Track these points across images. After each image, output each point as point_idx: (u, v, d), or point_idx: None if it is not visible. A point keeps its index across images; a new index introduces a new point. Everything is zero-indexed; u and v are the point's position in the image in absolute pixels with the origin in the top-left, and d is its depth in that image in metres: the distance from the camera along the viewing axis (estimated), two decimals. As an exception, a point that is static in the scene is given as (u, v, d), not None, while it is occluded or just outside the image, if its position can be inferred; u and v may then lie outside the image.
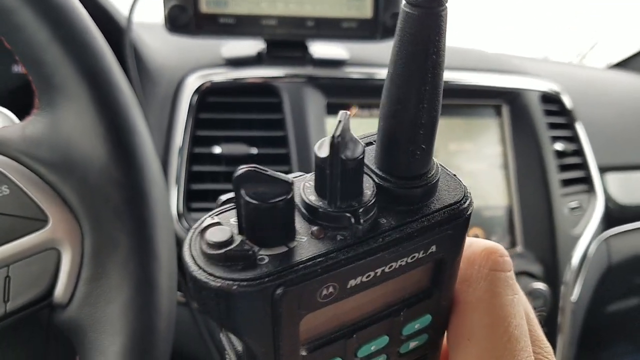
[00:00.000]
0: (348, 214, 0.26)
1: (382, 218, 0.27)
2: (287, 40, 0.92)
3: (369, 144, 0.31)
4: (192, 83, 0.84)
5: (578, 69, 1.51)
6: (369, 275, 0.27)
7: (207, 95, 0.85)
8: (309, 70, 0.91)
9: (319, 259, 0.25)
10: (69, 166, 0.47)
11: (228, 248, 0.24)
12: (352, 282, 0.26)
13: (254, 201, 0.23)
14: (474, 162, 1.04)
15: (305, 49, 0.93)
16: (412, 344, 0.34)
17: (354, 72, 0.94)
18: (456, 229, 0.29)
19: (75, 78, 0.47)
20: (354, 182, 0.26)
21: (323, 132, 0.88)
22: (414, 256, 0.28)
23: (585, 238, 1.08)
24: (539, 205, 1.04)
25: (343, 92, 0.93)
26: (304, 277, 0.25)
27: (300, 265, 0.24)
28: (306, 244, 0.26)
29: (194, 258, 0.25)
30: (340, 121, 0.24)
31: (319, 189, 0.27)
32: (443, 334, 0.35)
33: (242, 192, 0.23)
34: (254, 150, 0.83)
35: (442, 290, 0.32)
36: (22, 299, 0.46)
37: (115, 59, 0.51)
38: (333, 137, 0.24)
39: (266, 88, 0.88)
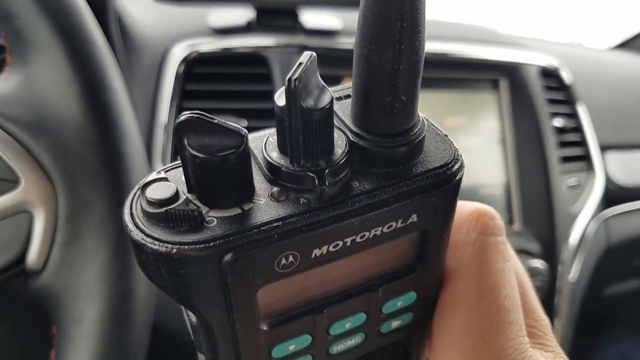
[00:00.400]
0: (312, 174, 0.23)
1: (355, 181, 0.24)
2: (277, 8, 0.89)
3: (347, 96, 0.27)
4: (179, 53, 0.82)
5: (578, 49, 1.49)
6: (337, 245, 0.24)
7: (193, 66, 0.82)
8: (300, 40, 0.88)
9: (276, 224, 0.22)
10: (42, 125, 0.45)
11: (170, 206, 0.21)
12: (317, 252, 0.23)
13: (198, 154, 0.20)
14: (471, 137, 1.02)
15: (296, 17, 0.90)
16: (395, 324, 0.31)
17: (347, 43, 0.92)
18: (442, 196, 0.25)
19: (48, 32, 0.45)
20: (320, 137, 0.23)
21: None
22: (391, 225, 0.25)
23: (583, 216, 1.06)
24: (537, 182, 1.02)
25: (336, 63, 0.90)
26: (257, 243, 0.22)
27: (254, 230, 0.22)
28: (264, 206, 0.23)
29: (132, 217, 0.22)
30: (300, 63, 0.21)
31: (281, 144, 0.24)
32: (431, 314, 0.32)
33: (185, 142, 0.20)
34: (244, 123, 0.81)
35: (428, 266, 0.29)
36: (-7, 264, 0.43)
37: (91, 14, 0.48)
38: (289, 80, 0.20)
39: (255, 58, 0.85)
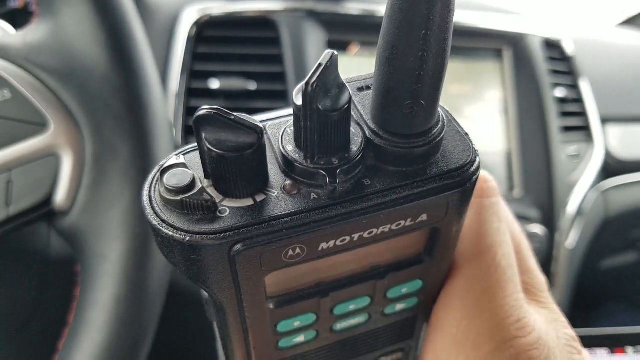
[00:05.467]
0: (323, 172, 0.23)
1: (367, 178, 0.24)
2: (287, -27, 0.90)
3: (369, 87, 0.27)
4: (190, 16, 0.83)
5: (583, 24, 1.49)
6: (344, 240, 0.24)
7: (204, 29, 0.84)
8: (309, 5, 0.89)
9: (285, 219, 0.22)
10: (70, 72, 0.47)
11: (185, 195, 0.22)
12: (324, 245, 0.24)
13: (214, 149, 0.21)
14: (474, 105, 1.04)
15: (305, -18, 0.91)
16: (399, 306, 0.32)
17: (355, 8, 0.93)
18: (454, 198, 0.25)
19: None
20: (335, 136, 0.23)
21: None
22: (400, 224, 0.25)
23: (582, 185, 1.08)
24: (538, 150, 1.04)
25: (344, 28, 0.92)
26: (266, 237, 0.22)
27: (263, 224, 0.22)
28: (275, 199, 0.23)
29: (151, 200, 0.23)
30: (319, 64, 0.21)
31: (297, 139, 0.24)
32: (436, 297, 0.32)
33: (203, 136, 0.21)
34: (253, 86, 0.83)
35: (436, 258, 0.29)
36: (23, 204, 0.46)
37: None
38: (307, 83, 0.20)
39: (264, 22, 0.87)
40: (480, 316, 0.30)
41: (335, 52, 0.21)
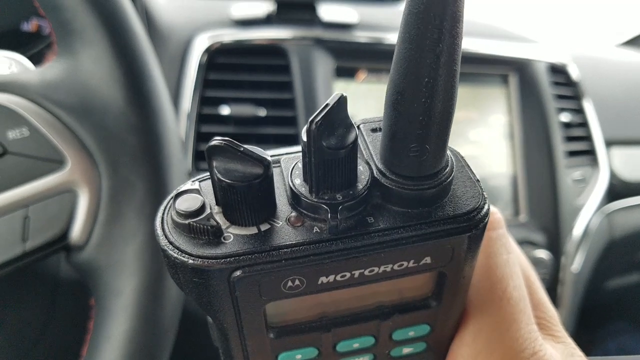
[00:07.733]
0: (326, 207, 0.23)
1: (372, 216, 0.24)
2: (296, 2, 0.92)
3: (381, 129, 0.27)
4: (201, 43, 0.84)
5: (586, 46, 1.50)
6: (344, 276, 0.24)
7: (216, 56, 0.85)
8: (317, 33, 0.91)
9: (285, 250, 0.23)
10: (87, 110, 0.48)
11: (193, 219, 0.23)
12: (323, 279, 0.24)
13: (222, 178, 0.22)
14: (480, 130, 1.04)
15: (314, 10, 0.93)
16: (406, 350, 0.31)
17: (363, 36, 0.94)
18: (459, 243, 0.25)
19: (93, 23, 0.48)
20: (340, 172, 0.23)
21: (331, 95, 0.88)
22: (402, 264, 0.25)
23: (587, 209, 1.08)
24: (543, 175, 1.05)
25: (352, 55, 0.93)
26: (265, 266, 0.23)
27: (263, 253, 0.23)
28: (279, 229, 0.24)
29: (162, 222, 0.24)
30: (326, 104, 0.21)
31: (304, 173, 0.24)
32: (448, 345, 0.32)
33: (214, 164, 0.22)
34: (262, 112, 0.84)
35: (444, 304, 0.29)
36: (40, 239, 0.46)
37: (132, 7, 0.51)
38: (311, 122, 0.21)
39: (275, 49, 0.88)
40: (494, 351, 0.29)
41: (344, 94, 0.22)
